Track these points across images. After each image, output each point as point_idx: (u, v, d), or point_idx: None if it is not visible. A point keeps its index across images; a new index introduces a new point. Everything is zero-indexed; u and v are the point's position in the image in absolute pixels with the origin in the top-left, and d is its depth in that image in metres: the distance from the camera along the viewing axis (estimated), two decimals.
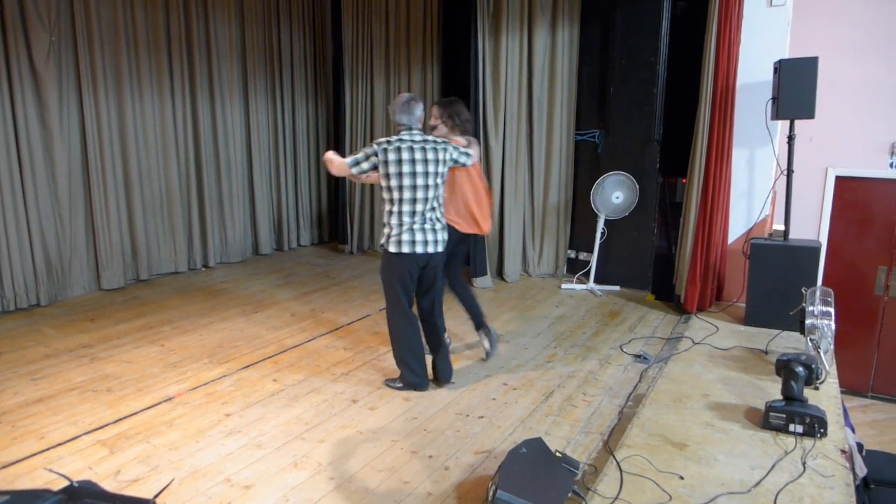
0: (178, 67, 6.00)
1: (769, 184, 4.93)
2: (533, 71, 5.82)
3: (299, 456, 2.92)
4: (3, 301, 4.92)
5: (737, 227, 5.06)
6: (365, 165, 3.45)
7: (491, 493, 2.36)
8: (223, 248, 6.71)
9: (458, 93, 6.40)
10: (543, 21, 5.72)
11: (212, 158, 6.47)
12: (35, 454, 2.92)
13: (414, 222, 3.44)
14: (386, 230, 3.49)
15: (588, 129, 5.90)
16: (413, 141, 3.42)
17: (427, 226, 3.47)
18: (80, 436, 3.09)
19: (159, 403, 3.45)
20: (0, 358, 4.06)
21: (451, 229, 3.77)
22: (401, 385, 3.66)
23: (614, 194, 5.55)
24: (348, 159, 3.48)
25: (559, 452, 2.68)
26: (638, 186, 5.48)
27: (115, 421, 3.25)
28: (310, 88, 7.56)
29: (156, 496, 2.44)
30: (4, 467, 2.80)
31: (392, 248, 3.45)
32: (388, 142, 3.41)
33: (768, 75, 4.65)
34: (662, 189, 5.61)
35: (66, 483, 1.34)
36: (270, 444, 3.03)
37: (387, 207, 3.49)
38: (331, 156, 3.57)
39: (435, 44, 6.57)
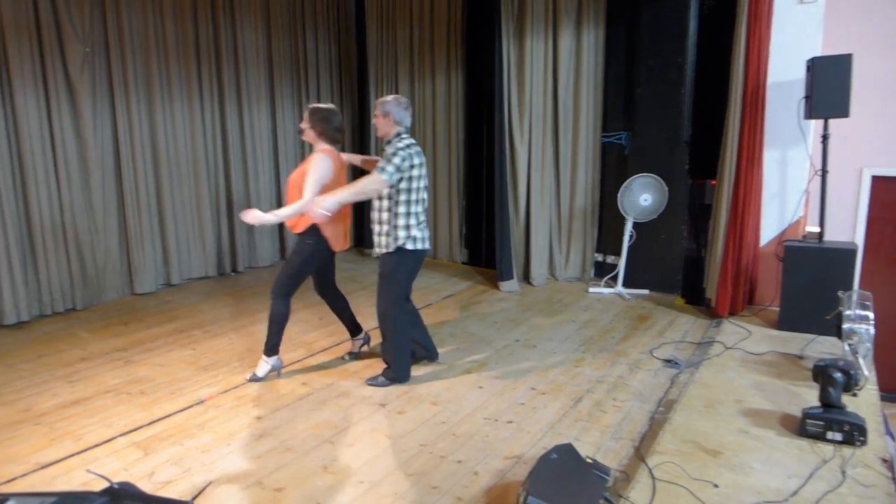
0: (207, 76, 6.10)
1: (802, 184, 4.83)
2: (558, 73, 5.80)
3: (329, 460, 2.93)
4: (41, 305, 5.05)
5: (769, 229, 4.96)
6: (403, 172, 3.50)
7: (521, 499, 2.35)
8: (251, 252, 6.79)
9: (482, 96, 6.46)
10: (568, 23, 5.69)
11: (239, 165, 6.56)
12: (72, 455, 2.98)
13: (420, 221, 3.67)
14: (402, 232, 3.57)
15: (615, 131, 5.85)
16: (415, 143, 3.61)
17: (425, 224, 3.75)
18: (115, 437, 3.15)
19: (191, 406, 3.50)
20: (38, 360, 4.16)
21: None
22: (386, 380, 3.77)
23: (642, 196, 5.49)
24: (385, 174, 3.43)
25: (590, 458, 2.65)
26: (666, 188, 5.41)
27: (149, 423, 3.30)
28: (335, 94, 7.62)
29: (193, 498, 2.47)
30: (43, 468, 2.87)
31: (410, 246, 3.59)
32: (408, 145, 3.52)
33: (800, 73, 4.56)
34: (691, 191, 5.53)
35: (105, 484, 1.36)
36: (300, 447, 3.05)
37: (402, 209, 3.56)
38: (328, 199, 3.36)
39: (459, 48, 6.57)
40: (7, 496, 1.15)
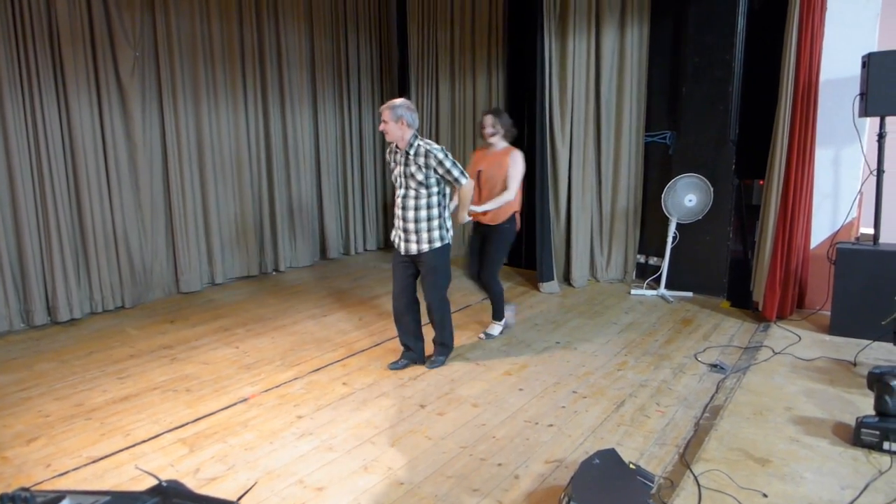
0: (251, 78, 6.22)
1: (856, 185, 4.65)
2: (601, 71, 5.71)
3: (369, 460, 2.95)
4: (92, 303, 5.22)
5: (820, 230, 4.80)
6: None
7: None
8: (293, 252, 6.90)
9: (524, 96, 6.41)
10: (612, 20, 5.60)
11: (282, 165, 6.66)
12: (121, 450, 3.07)
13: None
14: (440, 231, 3.81)
15: (659, 131, 5.74)
16: None
17: None
18: (162, 434, 3.23)
19: (235, 404, 3.56)
20: (90, 357, 4.30)
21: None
22: (445, 358, 4.11)
23: (687, 197, 5.37)
24: (464, 175, 3.75)
25: (633, 464, 2.60)
26: (712, 189, 5.28)
27: (194, 420, 3.37)
28: (376, 95, 7.68)
29: (239, 498, 2.51)
30: (94, 462, 2.96)
31: (448, 241, 3.87)
32: (428, 142, 3.74)
33: (855, 70, 4.39)
34: (738, 191, 5.39)
35: (154, 482, 1.39)
36: (341, 446, 3.07)
37: (442, 203, 3.82)
38: (468, 188, 3.86)
39: (500, 48, 6.55)
40: (63, 493, 1.19)
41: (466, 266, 4.68)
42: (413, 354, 4.05)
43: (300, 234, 6.90)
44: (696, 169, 5.39)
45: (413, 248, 3.78)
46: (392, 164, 3.84)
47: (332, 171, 7.22)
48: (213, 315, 5.23)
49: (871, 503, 2.42)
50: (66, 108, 4.91)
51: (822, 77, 4.50)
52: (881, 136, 4.21)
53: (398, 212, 3.81)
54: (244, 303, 5.58)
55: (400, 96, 7.63)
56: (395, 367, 4.02)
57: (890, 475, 2.60)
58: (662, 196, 5.46)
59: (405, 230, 3.79)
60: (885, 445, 2.76)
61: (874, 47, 4.43)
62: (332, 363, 4.16)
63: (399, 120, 3.62)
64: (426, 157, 3.65)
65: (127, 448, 3.09)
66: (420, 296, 3.98)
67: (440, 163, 3.66)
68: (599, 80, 5.73)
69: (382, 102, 7.69)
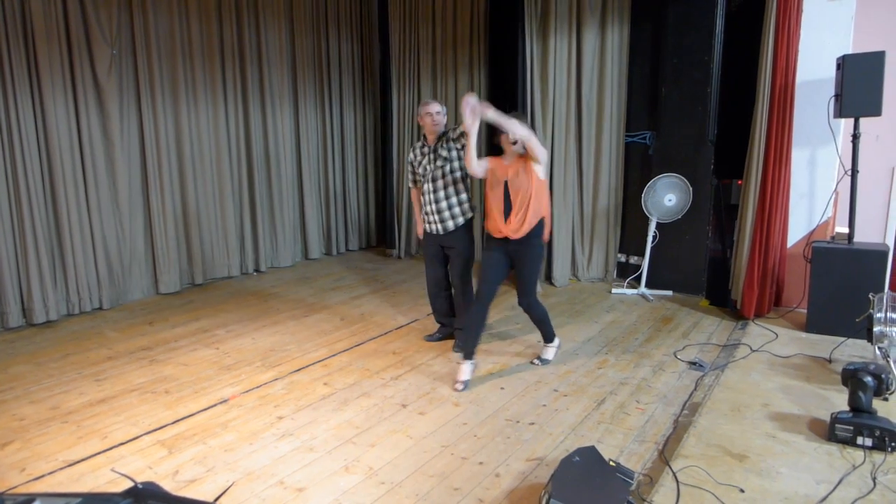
0: (231, 76, 6.17)
1: (831, 185, 4.73)
2: (582, 72, 5.75)
3: (350, 460, 2.94)
4: (69, 304, 5.14)
5: (797, 229, 4.87)
6: None
7: (544, 502, 2.33)
8: (274, 252, 6.85)
9: (505, 95, 6.43)
10: (593, 21, 5.64)
11: (263, 165, 6.62)
12: (99, 453, 3.03)
13: None
14: (468, 214, 4.18)
15: (639, 131, 5.79)
16: None
17: None
18: (140, 436, 3.19)
19: (215, 405, 3.53)
20: (67, 359, 4.24)
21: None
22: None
23: (666, 197, 5.42)
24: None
25: (613, 461, 2.62)
26: (691, 188, 5.34)
27: (174, 422, 3.34)
28: (357, 94, 7.66)
29: (216, 499, 2.49)
30: (70, 465, 2.91)
31: (471, 215, 4.23)
32: None
33: (830, 72, 4.46)
34: (717, 191, 5.46)
35: (130, 484, 1.38)
36: (322, 447, 3.06)
37: (462, 191, 4.17)
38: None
39: (482, 47, 6.56)
40: (33, 496, 1.17)
41: (479, 287, 3.92)
42: (447, 330, 4.51)
43: (281, 234, 6.85)
44: (676, 169, 5.44)
45: (448, 223, 4.14)
46: (415, 162, 4.26)
47: (313, 171, 7.19)
48: (193, 316, 5.17)
49: (845, 497, 2.46)
50: (41, 106, 4.83)
51: (799, 78, 4.57)
52: (855, 137, 4.28)
53: (430, 206, 4.16)
54: (224, 303, 5.53)
55: (382, 95, 7.70)
56: (430, 338, 4.55)
57: (863, 469, 2.64)
58: (642, 196, 5.51)
59: (441, 219, 4.15)
60: (859, 440, 2.81)
61: (849, 49, 4.51)
62: (313, 363, 4.14)
63: (445, 115, 4.22)
64: (444, 135, 4.15)
65: (104, 451, 3.05)
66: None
67: (452, 130, 4.13)
68: (581, 80, 5.77)
69: (364, 100, 7.76)
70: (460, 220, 4.17)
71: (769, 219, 4.65)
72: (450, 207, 4.15)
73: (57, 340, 4.61)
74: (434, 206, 4.16)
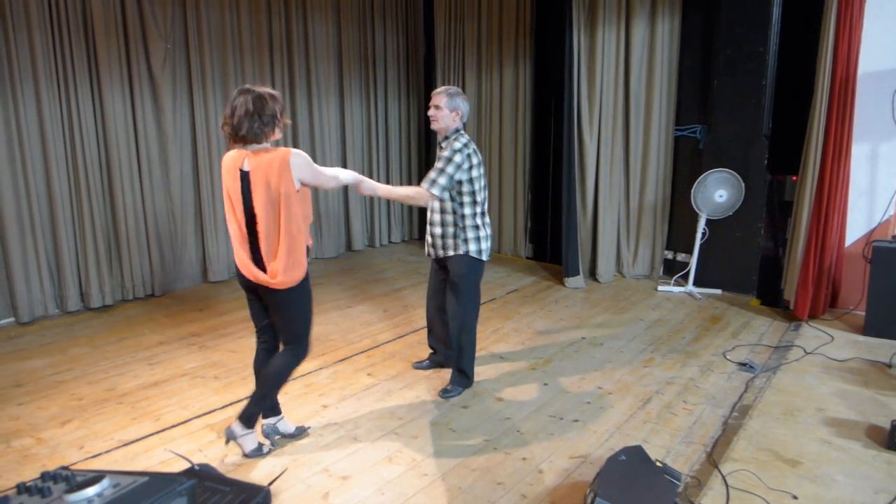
0: (279, 69, 6.26)
1: (894, 182, 4.53)
2: (630, 64, 5.63)
3: (394, 451, 2.96)
4: (123, 290, 5.32)
5: (856, 228, 4.69)
6: (462, 176, 3.30)
7: (589, 501, 2.30)
8: (318, 243, 6.94)
9: (551, 89, 6.36)
10: (642, 12, 5.51)
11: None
12: (152, 434, 3.13)
13: (487, 222, 3.50)
14: (471, 233, 3.39)
15: (689, 124, 5.64)
16: (470, 139, 3.42)
17: (489, 222, 3.54)
18: (191, 419, 3.28)
19: None
20: (121, 343, 4.39)
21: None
22: (461, 390, 3.57)
23: (717, 192, 5.28)
24: (436, 189, 3.24)
25: (660, 462, 2.57)
26: (743, 184, 5.18)
27: (222, 407, 3.43)
28: (402, 86, 7.68)
29: (270, 483, 2.54)
30: (126, 445, 3.02)
31: (484, 258, 3.47)
32: (465, 144, 3.32)
33: (895, 63, 4.27)
34: (770, 187, 5.28)
35: (186, 465, 1.41)
36: (366, 437, 3.09)
37: (468, 210, 3.37)
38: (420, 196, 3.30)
39: (528, 40, 6.49)
40: (103, 473, 1.21)
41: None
42: (438, 358, 3.91)
43: (325, 226, 6.93)
44: (728, 164, 5.29)
45: (439, 252, 3.52)
46: None
47: (357, 162, 7.24)
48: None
49: None
50: (99, 100, 4.99)
51: (861, 70, 4.38)
52: None
53: (428, 215, 3.55)
54: None
55: (427, 88, 7.70)
56: (418, 366, 3.95)
57: None
58: (692, 191, 5.38)
59: (432, 234, 3.53)
60: None
61: None
62: (356, 354, 4.19)
63: (455, 110, 3.33)
64: (450, 139, 3.38)
65: (157, 432, 3.15)
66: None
67: (440, 158, 3.32)
68: (629, 73, 5.65)
69: (409, 93, 7.78)
70: (449, 252, 3.49)
71: (826, 216, 4.49)
72: (442, 224, 3.47)
73: (112, 325, 4.78)
74: (428, 222, 3.57)
